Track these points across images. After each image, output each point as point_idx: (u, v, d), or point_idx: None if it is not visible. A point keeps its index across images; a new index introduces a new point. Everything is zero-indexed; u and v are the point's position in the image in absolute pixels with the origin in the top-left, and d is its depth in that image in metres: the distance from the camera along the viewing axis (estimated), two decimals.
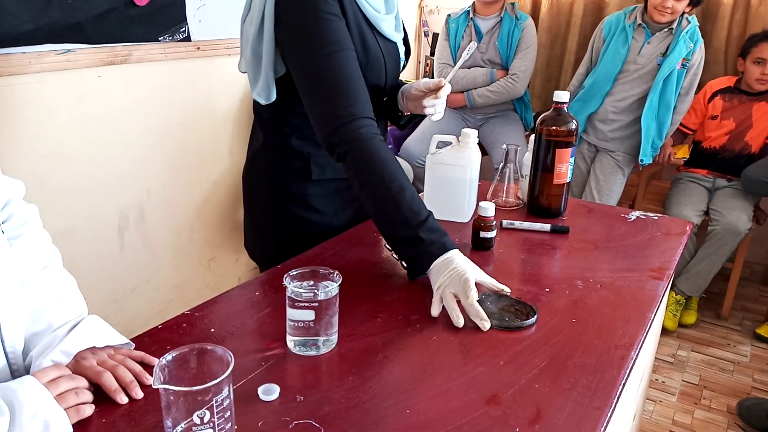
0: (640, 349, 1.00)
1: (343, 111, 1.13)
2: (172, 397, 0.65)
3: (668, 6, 2.55)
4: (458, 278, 1.03)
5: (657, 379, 2.35)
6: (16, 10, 1.68)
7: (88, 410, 0.74)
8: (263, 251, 1.45)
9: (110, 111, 2.00)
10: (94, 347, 0.83)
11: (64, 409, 0.71)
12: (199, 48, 2.24)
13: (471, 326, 1.00)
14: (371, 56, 1.25)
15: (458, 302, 1.03)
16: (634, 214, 1.53)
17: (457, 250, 1.09)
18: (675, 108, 2.72)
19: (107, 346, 0.85)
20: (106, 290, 2.07)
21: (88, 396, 0.76)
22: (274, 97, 1.26)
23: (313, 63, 1.14)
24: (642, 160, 2.76)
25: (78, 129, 1.91)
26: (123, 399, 0.78)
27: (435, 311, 1.04)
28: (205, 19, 2.26)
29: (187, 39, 2.22)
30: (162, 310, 2.26)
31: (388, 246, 1.16)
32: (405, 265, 1.15)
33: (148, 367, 0.84)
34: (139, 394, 0.79)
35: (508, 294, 1.08)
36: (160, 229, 2.22)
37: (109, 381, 0.78)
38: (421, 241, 1.08)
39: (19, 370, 0.80)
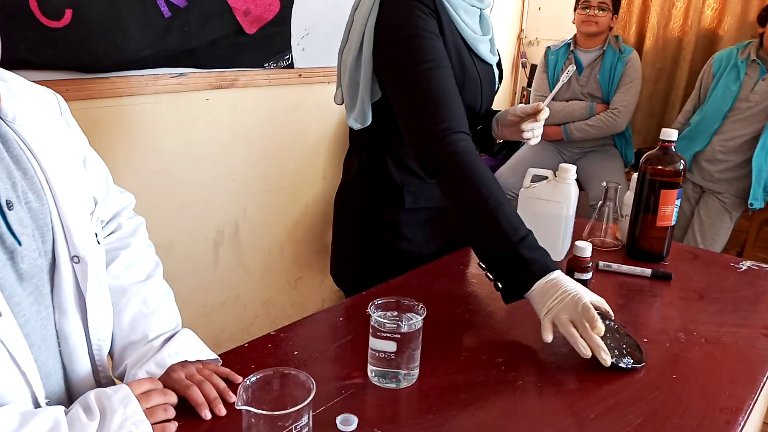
0: (749, 414, 0.90)
1: (440, 125, 1.11)
2: (253, 420, 0.66)
3: None
4: (573, 304, 0.96)
5: None
6: (139, 37, 1.81)
7: (172, 428, 0.76)
8: (349, 277, 1.46)
9: (215, 132, 2.10)
10: (185, 360, 0.85)
11: (151, 424, 0.73)
12: (300, 75, 2.32)
13: (560, 371, 0.94)
14: (468, 77, 1.24)
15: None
16: (745, 264, 1.41)
17: (560, 271, 1.03)
18: None
19: (197, 360, 0.87)
20: (198, 303, 2.15)
21: (173, 413, 0.78)
22: (369, 121, 1.27)
23: (412, 79, 1.14)
24: (752, 204, 2.56)
25: (184, 148, 2.02)
26: (207, 414, 0.79)
27: (548, 337, 0.98)
28: (308, 48, 2.34)
29: (290, 66, 2.31)
30: (248, 325, 2.33)
31: (482, 264, 1.09)
32: (500, 286, 1.06)
33: (233, 385, 0.85)
34: (222, 411, 0.80)
35: (612, 318, 1.02)
36: (252, 246, 2.30)
37: (196, 395, 0.80)
38: (522, 259, 1.01)
39: (105, 376, 0.84)
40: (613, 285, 1.29)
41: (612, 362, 0.94)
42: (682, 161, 1.34)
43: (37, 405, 0.72)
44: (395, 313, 0.90)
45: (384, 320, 0.87)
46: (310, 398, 0.67)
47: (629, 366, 0.96)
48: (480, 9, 1.30)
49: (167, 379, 0.82)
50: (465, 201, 1.08)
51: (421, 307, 0.89)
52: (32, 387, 0.71)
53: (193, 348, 0.87)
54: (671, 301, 1.23)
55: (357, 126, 1.29)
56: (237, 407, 0.65)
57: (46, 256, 0.75)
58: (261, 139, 2.26)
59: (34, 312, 0.73)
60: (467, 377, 0.93)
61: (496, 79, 1.38)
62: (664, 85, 3.13)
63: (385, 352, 0.87)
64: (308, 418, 0.68)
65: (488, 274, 1.09)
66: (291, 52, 2.30)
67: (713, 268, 1.39)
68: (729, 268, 1.39)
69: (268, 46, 2.23)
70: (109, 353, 0.86)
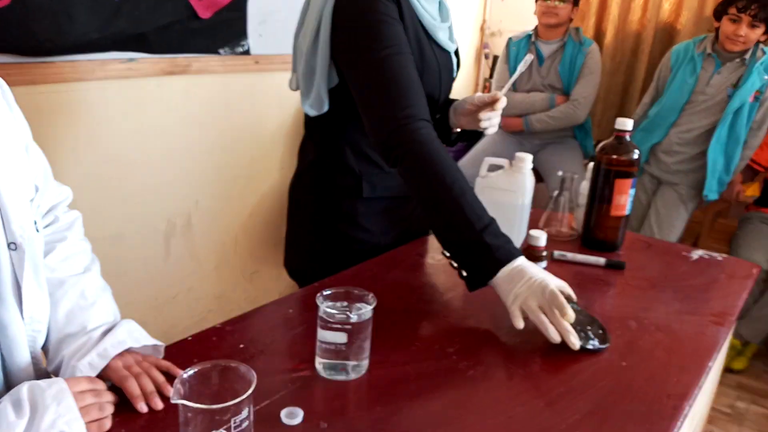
0: (695, 399, 0.91)
1: (401, 113, 1.09)
2: (189, 414, 0.63)
3: (741, 35, 2.43)
4: (540, 290, 0.97)
5: (712, 431, 2.19)
6: (85, 19, 1.73)
7: (108, 424, 0.72)
8: (303, 268, 1.43)
9: (166, 120, 2.03)
10: (123, 351, 0.82)
11: (86, 423, 0.69)
12: (257, 62, 2.27)
13: (512, 361, 0.93)
14: (427, 64, 1.23)
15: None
16: (697, 253, 1.43)
17: (524, 257, 1.03)
18: (746, 143, 2.58)
19: (137, 353, 0.84)
20: (148, 296, 2.08)
21: (110, 410, 0.74)
22: (326, 108, 1.24)
23: (372, 66, 1.12)
24: (706, 196, 2.62)
25: (134, 137, 1.95)
26: (143, 408, 0.76)
27: (520, 323, 0.98)
28: (265, 34, 2.28)
29: (247, 53, 2.25)
30: (201, 319, 2.27)
31: (446, 253, 1.09)
32: (465, 274, 1.05)
33: (173, 379, 0.81)
34: (158, 405, 0.77)
35: (575, 301, 1.03)
36: (206, 238, 2.24)
37: (132, 387, 0.77)
38: (486, 246, 1.01)
39: (39, 368, 0.80)
40: (568, 274, 1.29)
41: (580, 344, 0.95)
42: (636, 151, 1.35)
43: None
44: (345, 304, 0.88)
45: (333, 311, 0.85)
46: (249, 391, 0.64)
47: (596, 347, 0.97)
48: None
49: (105, 370, 0.79)
50: (429, 189, 1.07)
51: (372, 296, 0.87)
52: None
53: (137, 336, 0.84)
54: (624, 289, 1.24)
55: (313, 113, 1.26)
56: (172, 401, 0.62)
57: None
58: (215, 127, 2.20)
59: None
60: (418, 367, 0.91)
61: (455, 67, 1.36)
62: (623, 77, 3.17)
63: (333, 344, 0.85)
64: (248, 412, 0.65)
65: (452, 262, 1.07)
66: (247, 38, 2.24)
67: (666, 258, 1.41)
68: (681, 258, 1.41)
69: (223, 31, 2.17)
70: (43, 347, 0.82)
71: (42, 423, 0.66)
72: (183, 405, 0.63)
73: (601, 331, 1.01)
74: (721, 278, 1.32)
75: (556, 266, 1.32)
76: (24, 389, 0.68)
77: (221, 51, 2.17)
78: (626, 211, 1.38)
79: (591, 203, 1.41)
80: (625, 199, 1.37)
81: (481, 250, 1.01)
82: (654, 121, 2.70)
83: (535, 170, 2.97)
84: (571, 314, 0.96)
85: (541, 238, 1.21)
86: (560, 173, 1.48)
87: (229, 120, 2.23)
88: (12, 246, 0.75)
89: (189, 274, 2.19)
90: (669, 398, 0.87)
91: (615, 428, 0.80)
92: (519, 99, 2.81)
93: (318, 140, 1.34)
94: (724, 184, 2.63)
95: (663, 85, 2.74)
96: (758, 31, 2.44)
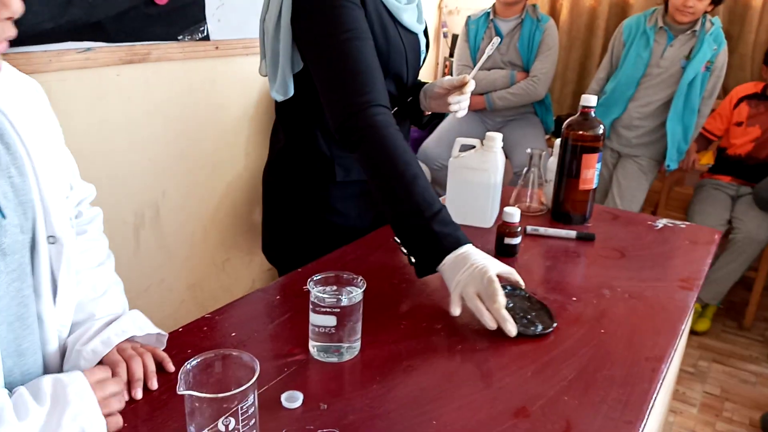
0: (671, 361, 0.97)
1: (359, 98, 1.09)
2: (196, 404, 0.63)
3: (690, 6, 2.49)
4: (480, 276, 0.97)
5: (678, 390, 2.30)
6: (37, 8, 1.67)
7: (120, 421, 0.73)
8: (282, 254, 1.43)
9: (128, 110, 1.99)
10: (126, 340, 0.83)
11: (105, 416, 0.70)
12: (218, 47, 2.23)
13: (497, 335, 0.97)
14: (392, 47, 1.23)
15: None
16: (661, 222, 1.49)
17: (471, 245, 1.03)
18: (699, 111, 2.67)
19: (139, 340, 0.86)
20: None
21: (124, 402, 0.75)
22: (291, 92, 1.24)
23: (330, 50, 1.12)
24: (668, 166, 2.71)
25: (95, 128, 1.90)
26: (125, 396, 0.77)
27: (456, 311, 0.98)
28: (224, 19, 2.24)
29: (206, 38, 2.21)
30: (175, 310, 2.25)
31: (397, 239, 1.09)
32: (413, 260, 1.06)
33: (162, 373, 0.82)
34: (138, 394, 0.78)
35: (523, 287, 1.05)
36: (175, 229, 2.21)
37: (121, 374, 0.78)
38: (433, 233, 1.01)
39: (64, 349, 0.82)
40: (541, 247, 1.33)
41: (519, 331, 0.95)
42: (601, 126, 1.39)
43: None
44: (334, 288, 0.89)
45: (324, 295, 0.86)
46: (254, 378, 0.65)
47: (537, 333, 0.97)
48: None
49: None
50: (381, 175, 1.07)
51: (361, 280, 0.88)
52: None
53: (141, 324, 0.85)
54: (595, 260, 1.28)
55: (279, 98, 1.26)
56: (179, 392, 0.63)
57: (28, 233, 0.74)
58: (178, 116, 2.16)
59: (14, 290, 0.71)
60: (408, 345, 0.93)
61: (423, 48, 1.37)
62: (579, 52, 3.23)
63: (326, 327, 0.87)
64: (254, 398, 0.66)
65: (402, 248, 1.08)
66: (206, 23, 2.20)
67: (632, 228, 1.47)
68: (647, 227, 1.47)
69: (181, 17, 2.12)
70: None
71: (64, 417, 0.66)
72: (190, 395, 0.63)
73: (547, 317, 1.01)
74: (685, 245, 1.38)
75: (529, 240, 1.36)
76: (46, 381, 0.69)
77: (180, 37, 2.13)
78: (593, 185, 1.43)
79: (559, 178, 1.46)
80: (592, 173, 1.41)
81: (429, 238, 1.02)
82: (612, 97, 2.76)
83: None
84: (501, 301, 0.95)
85: (515, 214, 1.25)
86: (528, 150, 1.52)
87: (192, 108, 2.20)
88: (51, 239, 0.76)
89: (160, 266, 2.17)
90: (647, 361, 0.92)
91: (599, 392, 0.84)
92: (480, 77, 2.84)
93: (288, 126, 1.34)
94: (683, 153, 2.73)
95: (617, 59, 2.79)
96: (705, 2, 2.49)
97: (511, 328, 0.95)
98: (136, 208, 2.06)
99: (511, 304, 1.02)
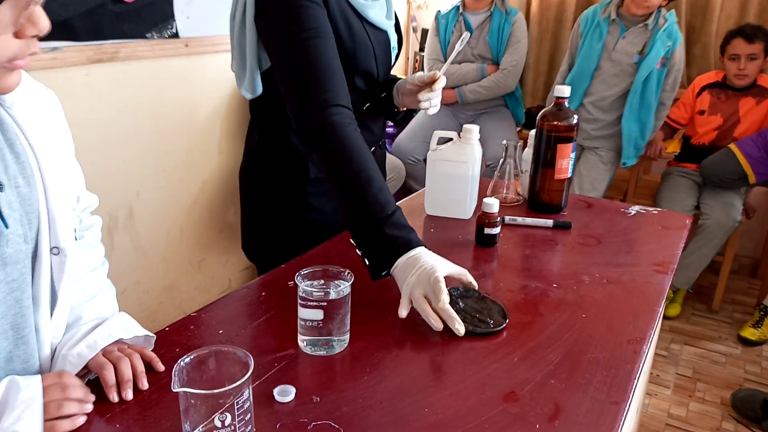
0: (651, 343, 0.99)
1: (318, 97, 1.09)
2: (192, 401, 0.63)
3: None
4: (426, 278, 0.95)
5: (652, 373, 2.36)
6: None
7: (81, 420, 0.72)
8: (262, 251, 1.43)
9: (97, 110, 1.95)
10: (113, 342, 0.82)
11: (45, 420, 0.69)
12: (187, 45, 2.20)
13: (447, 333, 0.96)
14: (359, 44, 1.23)
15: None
16: (634, 209, 1.53)
17: (423, 247, 1.02)
18: (663, 104, 2.72)
19: (126, 342, 0.85)
20: None
21: (73, 409, 0.72)
22: (260, 90, 1.25)
23: (290, 49, 1.12)
24: (624, 164, 2.76)
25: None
26: (114, 398, 0.76)
27: (403, 313, 0.96)
28: (193, 16, 2.22)
29: (176, 36, 2.18)
30: (152, 312, 2.22)
31: (352, 241, 1.08)
32: (367, 263, 1.04)
33: (152, 373, 0.82)
34: (128, 396, 0.77)
35: (476, 289, 1.04)
36: (150, 230, 2.18)
37: (108, 375, 0.77)
38: (385, 237, 1.00)
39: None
40: (519, 237, 1.36)
41: (469, 330, 0.94)
42: (574, 116, 1.42)
43: None
44: (322, 282, 0.90)
45: (312, 289, 0.86)
46: (249, 373, 0.65)
47: (488, 330, 0.96)
48: None
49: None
50: (337, 175, 1.06)
51: (349, 273, 0.89)
52: None
53: (128, 327, 0.85)
54: (573, 247, 1.31)
55: (248, 96, 1.26)
56: (174, 390, 0.62)
57: (31, 243, 0.74)
58: (149, 115, 2.12)
59: (12, 300, 0.71)
60: (396, 337, 0.94)
61: (393, 44, 1.37)
62: (549, 45, 3.27)
63: (315, 321, 0.87)
64: (249, 393, 0.66)
65: (357, 250, 1.06)
66: (175, 20, 2.17)
67: (606, 215, 1.50)
68: (620, 214, 1.50)
69: (149, 14, 2.08)
70: None
71: (3, 423, 0.66)
72: (185, 393, 0.63)
73: (498, 314, 1.00)
74: (658, 230, 1.42)
75: (508, 230, 1.38)
76: (3, 383, 0.68)
77: (149, 35, 2.09)
78: (568, 174, 1.46)
79: (535, 168, 1.48)
80: (567, 162, 1.44)
81: (381, 241, 1.01)
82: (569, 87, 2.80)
83: None
84: (445, 299, 0.94)
85: (494, 205, 1.27)
86: (504, 142, 1.54)
87: (163, 107, 2.17)
88: (54, 251, 0.77)
89: (136, 268, 2.14)
90: (629, 343, 0.95)
91: (585, 374, 0.86)
92: (451, 71, 2.86)
93: (261, 123, 1.34)
94: (641, 149, 2.77)
95: (575, 53, 2.81)
96: None
97: (459, 327, 0.93)
98: (109, 210, 2.03)
99: (462, 305, 1.00)
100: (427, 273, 0.96)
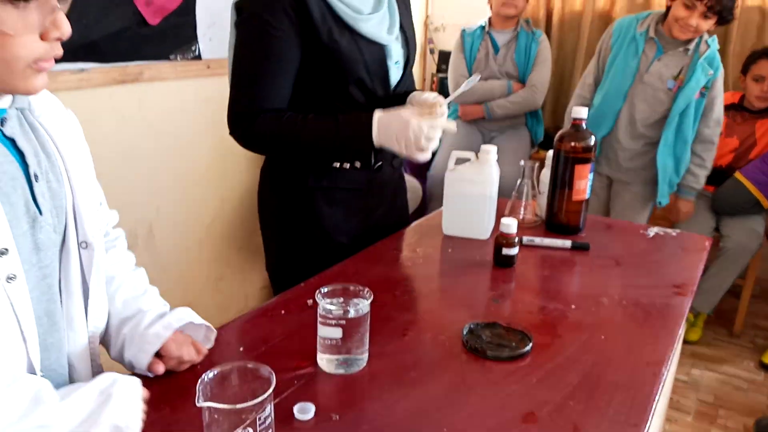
0: (671, 365, 0.99)
1: (239, 106, 1.25)
2: (215, 416, 0.64)
3: (692, 24, 2.20)
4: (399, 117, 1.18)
5: (672, 398, 2.33)
6: None
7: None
8: (278, 269, 1.44)
9: (121, 129, 2.00)
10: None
11: None
12: (209, 66, 2.25)
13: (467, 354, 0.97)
14: (345, 55, 1.23)
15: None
16: (653, 231, 1.52)
17: (380, 111, 1.20)
18: (711, 143, 2.46)
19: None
20: None
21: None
22: None
23: (233, 60, 1.27)
24: (660, 203, 2.51)
25: (90, 148, 1.90)
26: (161, 369, 0.85)
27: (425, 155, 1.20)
28: (215, 38, 2.27)
29: (198, 57, 2.23)
30: None
31: (336, 164, 1.27)
32: (360, 161, 1.24)
33: (177, 387, 0.83)
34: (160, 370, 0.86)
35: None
36: (169, 247, 2.21)
37: (175, 352, 0.87)
38: (339, 123, 1.19)
39: (97, 364, 0.88)
40: (537, 258, 1.36)
41: (493, 355, 0.94)
42: (593, 137, 1.43)
43: (31, 373, 0.73)
44: (341, 300, 0.90)
45: (332, 307, 0.87)
46: (271, 389, 0.66)
47: (514, 354, 0.95)
48: None
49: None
50: (280, 137, 1.23)
51: (368, 291, 0.90)
52: (29, 355, 0.72)
53: (194, 316, 0.93)
54: (592, 269, 1.31)
55: None
56: (198, 405, 0.63)
57: (60, 234, 0.79)
58: (171, 134, 2.17)
59: (45, 285, 0.76)
60: (414, 355, 0.95)
61: (397, 59, 1.35)
62: (569, 66, 3.30)
63: (334, 339, 0.88)
64: (270, 409, 0.67)
65: (346, 164, 1.26)
66: (197, 42, 2.22)
67: (626, 237, 1.50)
68: (639, 236, 1.50)
69: (172, 37, 2.14)
70: (102, 341, 0.90)
71: (106, 413, 0.69)
72: (209, 408, 0.64)
73: (524, 339, 0.99)
74: (678, 252, 1.41)
75: (526, 251, 1.38)
76: (107, 378, 0.73)
77: (172, 57, 2.15)
78: (586, 195, 1.46)
79: (553, 189, 1.48)
80: (584, 183, 1.44)
81: (345, 128, 1.20)
82: (600, 111, 2.49)
83: None
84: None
85: (512, 225, 1.27)
86: (522, 162, 1.54)
87: (184, 126, 2.21)
88: (83, 245, 0.82)
89: (154, 284, 2.15)
90: (648, 366, 0.94)
91: (604, 396, 0.86)
92: (477, 87, 2.88)
93: None
94: (674, 186, 2.52)
95: (604, 63, 2.53)
96: (710, 22, 2.22)
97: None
98: (129, 226, 2.06)
99: (485, 337, 0.99)
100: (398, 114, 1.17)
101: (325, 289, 0.89)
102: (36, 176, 0.76)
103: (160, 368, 0.85)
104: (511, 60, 2.88)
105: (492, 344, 0.97)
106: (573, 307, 1.12)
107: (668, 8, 2.30)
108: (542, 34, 2.89)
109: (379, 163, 1.36)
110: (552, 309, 1.12)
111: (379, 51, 1.30)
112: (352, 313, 0.87)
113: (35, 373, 0.73)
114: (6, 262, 0.69)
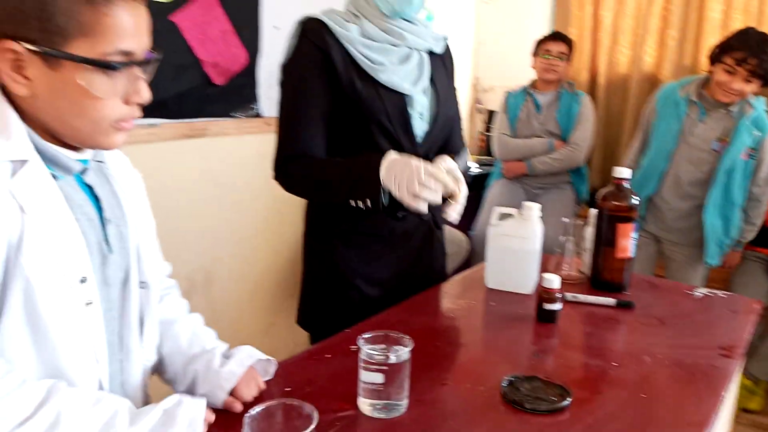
0: (713, 427, 0.97)
1: (282, 152, 1.33)
2: None
3: (735, 88, 2.22)
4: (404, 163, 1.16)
5: None
6: None
7: None
8: (303, 310, 1.49)
9: (186, 181, 2.13)
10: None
11: None
12: (268, 124, 2.38)
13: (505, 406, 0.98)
14: (365, 104, 1.30)
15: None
16: (701, 291, 1.51)
17: (391, 153, 1.21)
18: (759, 201, 2.43)
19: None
20: None
21: None
22: None
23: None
24: (707, 263, 2.48)
25: (156, 196, 2.01)
26: (239, 408, 0.91)
27: (423, 206, 1.15)
28: (273, 98, 2.38)
29: (258, 115, 2.37)
30: None
31: (352, 202, 1.28)
32: (369, 203, 1.23)
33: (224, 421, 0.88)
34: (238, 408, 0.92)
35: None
36: (224, 294, 2.30)
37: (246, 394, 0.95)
38: (353, 163, 1.24)
39: (147, 394, 0.96)
40: (580, 314, 1.37)
41: (531, 408, 0.96)
42: (635, 196, 1.45)
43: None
44: (383, 346, 0.94)
45: (374, 352, 0.91)
46: (312, 426, 0.70)
47: (552, 407, 0.97)
48: (403, 46, 1.33)
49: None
50: (305, 180, 1.32)
51: (408, 339, 0.93)
52: (101, 376, 0.82)
53: (259, 353, 1.01)
54: (635, 327, 1.31)
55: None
56: None
57: (124, 273, 0.89)
58: (231, 187, 2.29)
59: (110, 318, 0.86)
60: (452, 404, 0.97)
61: (421, 110, 1.36)
62: (615, 128, 3.32)
63: (375, 384, 0.91)
64: None
65: (359, 203, 1.26)
66: (257, 102, 2.37)
67: (671, 296, 1.49)
68: (686, 296, 1.49)
69: (235, 96, 2.30)
70: (165, 377, 1.00)
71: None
72: None
73: (562, 392, 1.00)
74: (726, 314, 1.39)
75: (569, 308, 1.39)
76: (172, 399, 0.81)
77: (234, 114, 2.30)
78: (630, 254, 1.47)
79: (597, 247, 1.50)
80: (627, 242, 1.45)
81: (356, 175, 1.23)
82: (646, 171, 2.52)
83: None
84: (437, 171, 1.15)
85: (554, 281, 1.29)
86: (565, 220, 1.57)
87: (243, 180, 2.33)
88: (142, 284, 0.93)
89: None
90: (689, 426, 0.93)
91: None
92: (519, 144, 2.96)
93: None
94: (725, 246, 2.48)
95: (649, 129, 2.59)
96: (753, 86, 2.23)
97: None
98: (188, 273, 2.17)
99: (524, 389, 1.01)
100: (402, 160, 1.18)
101: (367, 335, 0.94)
102: (108, 220, 0.87)
103: (238, 406, 0.91)
104: (553, 119, 2.94)
105: (531, 397, 0.99)
106: (615, 364, 1.13)
107: (710, 72, 2.33)
108: (585, 95, 2.95)
109: (404, 213, 1.36)
110: (593, 365, 1.12)
111: (400, 100, 1.33)
112: (393, 359, 0.91)
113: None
114: (85, 289, 0.79)
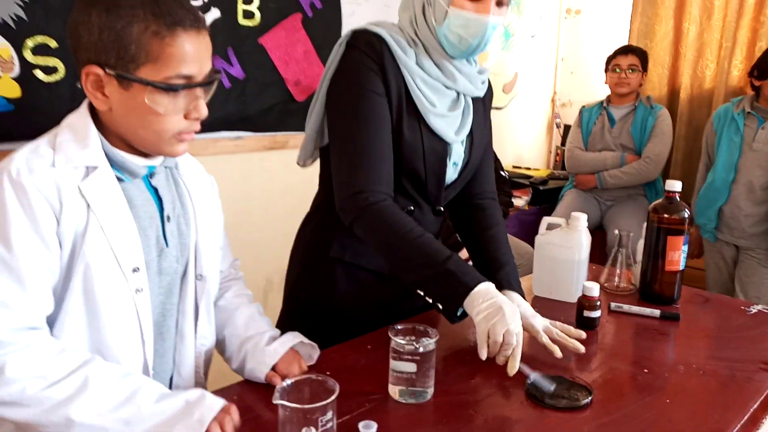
0: None
1: (360, 181, 1.16)
2: (287, 413, 0.81)
3: None
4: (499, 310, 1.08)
5: None
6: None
7: None
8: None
9: (267, 189, 2.33)
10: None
11: None
12: None
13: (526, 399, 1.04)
14: (406, 141, 1.22)
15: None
16: (756, 308, 1.49)
17: (489, 283, 1.11)
18: None
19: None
20: None
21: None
22: (308, 162, 1.40)
23: (344, 136, 1.20)
24: None
25: (240, 203, 2.24)
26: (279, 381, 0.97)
27: (483, 353, 1.09)
28: None
29: None
30: None
31: (420, 292, 1.15)
32: (440, 307, 1.13)
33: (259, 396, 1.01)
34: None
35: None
36: None
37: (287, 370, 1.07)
38: (451, 273, 1.10)
39: (200, 376, 1.10)
40: (624, 324, 1.39)
41: (551, 404, 1.02)
42: (686, 210, 1.46)
43: (145, 374, 0.95)
44: (412, 338, 1.04)
45: (403, 342, 1.02)
46: (333, 396, 0.82)
47: (572, 405, 1.02)
48: (453, 90, 1.27)
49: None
50: (385, 238, 1.15)
51: (434, 331, 1.03)
52: (146, 356, 0.96)
53: (302, 337, 1.13)
54: (677, 338, 1.32)
55: (300, 163, 1.41)
56: (274, 402, 0.81)
57: (181, 265, 1.04)
58: (309, 196, 2.46)
59: (159, 303, 1.00)
60: (476, 396, 1.05)
61: (455, 160, 1.31)
62: (698, 142, 3.22)
63: (404, 372, 1.02)
64: (332, 414, 0.82)
65: (428, 298, 1.14)
66: None
67: (723, 311, 1.48)
68: (739, 311, 1.47)
69: None
70: (225, 355, 1.13)
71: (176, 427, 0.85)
72: (282, 405, 0.81)
73: (584, 391, 1.05)
74: None
75: (614, 317, 1.42)
76: (195, 393, 0.88)
77: None
78: (680, 267, 1.47)
79: (647, 259, 1.52)
80: (678, 255, 1.46)
81: (448, 278, 1.10)
82: (714, 184, 2.67)
83: (601, 226, 3.03)
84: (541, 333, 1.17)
85: (594, 288, 1.33)
86: (616, 231, 1.60)
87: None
88: (199, 277, 1.06)
89: None
90: None
91: None
92: (591, 157, 2.96)
93: (317, 194, 1.45)
94: None
95: (712, 149, 2.74)
96: None
97: (515, 364, 1.08)
98: (267, 274, 2.36)
99: (552, 388, 1.06)
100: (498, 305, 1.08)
101: (399, 327, 1.04)
102: (168, 217, 1.00)
103: (277, 380, 1.02)
104: (627, 132, 2.91)
105: (553, 394, 1.05)
106: (645, 371, 1.15)
107: (756, 88, 2.57)
108: (662, 109, 2.90)
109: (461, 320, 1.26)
110: (623, 370, 1.16)
111: (442, 148, 1.27)
112: (420, 349, 1.01)
113: (149, 372, 0.96)
114: (137, 278, 0.93)
